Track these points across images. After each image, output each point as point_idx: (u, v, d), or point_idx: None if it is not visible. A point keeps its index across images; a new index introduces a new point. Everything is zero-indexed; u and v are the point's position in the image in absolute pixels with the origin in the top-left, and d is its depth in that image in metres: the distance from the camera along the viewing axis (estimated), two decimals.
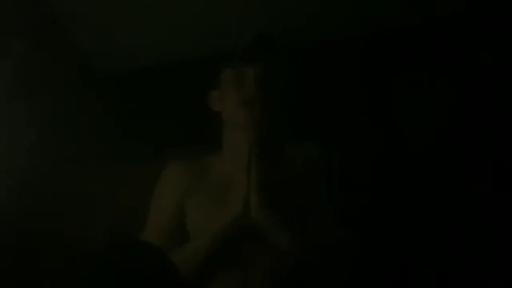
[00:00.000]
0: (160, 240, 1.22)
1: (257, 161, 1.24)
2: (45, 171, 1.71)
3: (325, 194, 1.28)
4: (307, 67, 2.01)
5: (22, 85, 1.73)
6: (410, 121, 1.85)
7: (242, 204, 1.19)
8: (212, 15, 1.95)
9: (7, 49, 1.68)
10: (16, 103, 1.68)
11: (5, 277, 1.51)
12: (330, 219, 1.24)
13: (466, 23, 1.90)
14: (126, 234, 1.30)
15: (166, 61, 2.09)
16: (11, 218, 1.55)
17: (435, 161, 1.79)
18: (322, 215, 1.24)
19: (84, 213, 1.77)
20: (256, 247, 1.19)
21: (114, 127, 2.01)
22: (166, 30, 2.04)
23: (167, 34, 2.05)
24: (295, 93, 1.51)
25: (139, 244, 1.01)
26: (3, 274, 1.51)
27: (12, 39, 1.70)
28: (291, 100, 1.40)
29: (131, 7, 1.96)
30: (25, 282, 1.58)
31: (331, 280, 1.21)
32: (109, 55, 2.12)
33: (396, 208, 1.75)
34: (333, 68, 1.98)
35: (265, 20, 1.93)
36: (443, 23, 1.92)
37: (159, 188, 1.37)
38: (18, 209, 1.59)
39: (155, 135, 1.99)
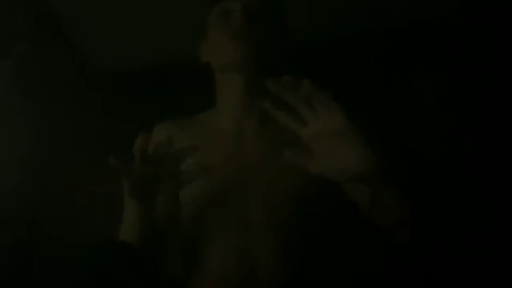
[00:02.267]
0: None
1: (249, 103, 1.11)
2: (45, 171, 1.71)
3: None
4: (306, 67, 2.00)
5: (22, 85, 1.73)
6: (410, 121, 1.86)
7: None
8: None
9: (7, 49, 1.68)
10: (16, 103, 1.68)
11: (5, 277, 1.51)
12: None
13: (465, 23, 1.90)
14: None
15: (166, 61, 2.09)
16: (11, 218, 1.55)
17: (434, 161, 1.79)
18: None
19: (84, 213, 1.77)
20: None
21: (114, 127, 2.00)
22: (166, 30, 2.04)
23: (167, 34, 2.05)
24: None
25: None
26: (3, 274, 1.51)
27: (12, 39, 1.70)
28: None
29: (130, 7, 1.96)
30: (25, 282, 1.58)
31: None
32: (109, 55, 2.13)
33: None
34: (333, 68, 1.98)
35: None
36: (443, 23, 1.93)
37: None
38: (18, 209, 1.59)
39: None
